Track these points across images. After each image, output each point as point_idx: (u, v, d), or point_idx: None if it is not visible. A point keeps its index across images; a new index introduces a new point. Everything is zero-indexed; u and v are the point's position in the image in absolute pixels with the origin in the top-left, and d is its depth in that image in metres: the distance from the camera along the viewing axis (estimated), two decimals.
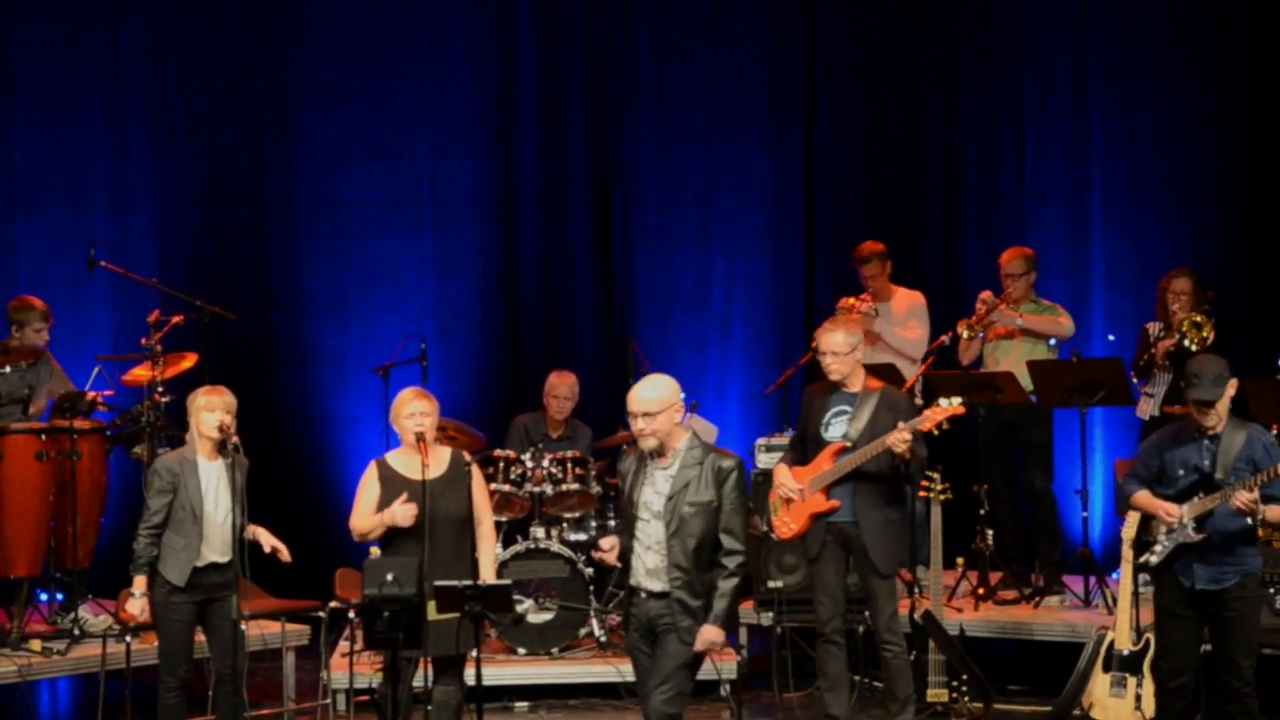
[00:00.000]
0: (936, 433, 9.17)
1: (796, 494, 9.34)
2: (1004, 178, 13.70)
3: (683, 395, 8.01)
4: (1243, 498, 8.36)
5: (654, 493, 7.93)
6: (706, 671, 10.52)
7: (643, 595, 7.98)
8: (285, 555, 8.94)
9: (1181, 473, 8.66)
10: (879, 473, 9.21)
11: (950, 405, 9.11)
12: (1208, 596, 8.62)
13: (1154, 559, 8.73)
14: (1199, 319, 11.05)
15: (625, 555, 8.11)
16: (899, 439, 9.00)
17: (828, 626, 9.38)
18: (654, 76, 13.89)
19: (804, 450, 9.50)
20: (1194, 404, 8.57)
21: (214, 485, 8.78)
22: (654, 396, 7.89)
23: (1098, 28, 13.47)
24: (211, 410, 8.78)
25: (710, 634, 7.90)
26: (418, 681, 8.93)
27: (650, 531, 7.93)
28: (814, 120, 13.92)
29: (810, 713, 10.34)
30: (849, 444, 9.23)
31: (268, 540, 8.92)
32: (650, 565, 7.94)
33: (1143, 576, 9.18)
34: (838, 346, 9.31)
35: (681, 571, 7.84)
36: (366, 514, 8.73)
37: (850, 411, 9.30)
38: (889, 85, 13.85)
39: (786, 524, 9.45)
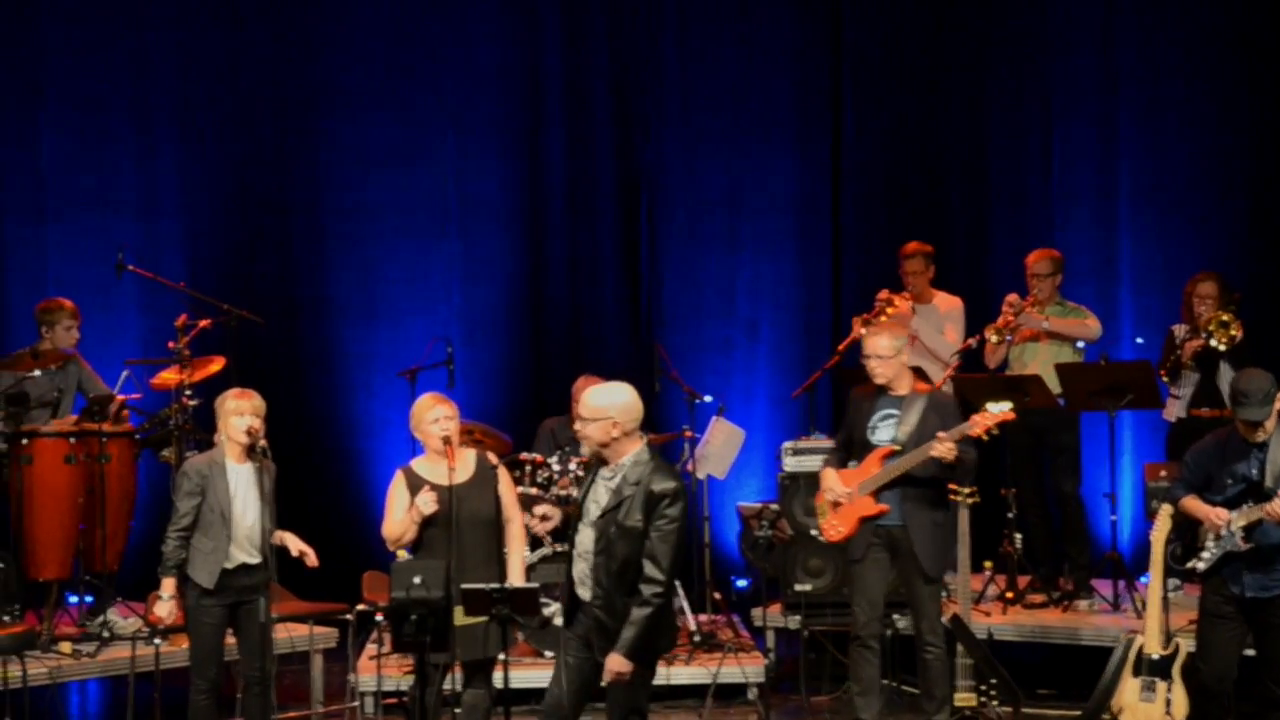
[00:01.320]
0: (986, 438, 9.16)
1: (845, 498, 9.32)
2: (1031, 180, 13.68)
3: (630, 414, 7.78)
4: (1275, 510, 8.38)
5: (593, 502, 7.82)
6: (734, 675, 10.61)
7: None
8: (312, 559, 8.95)
9: (1230, 482, 8.66)
10: (927, 476, 9.20)
11: (1001, 411, 9.09)
12: (1256, 604, 8.61)
13: (1201, 565, 8.73)
14: (1226, 318, 11.02)
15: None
16: (944, 448, 8.99)
17: (864, 630, 9.36)
18: (680, 80, 13.89)
19: (847, 453, 9.49)
20: (1242, 424, 8.56)
21: (242, 488, 8.79)
22: (593, 404, 7.78)
23: (1125, 29, 13.44)
24: (240, 414, 8.80)
25: (614, 663, 7.63)
26: (447, 685, 8.93)
27: (583, 539, 7.81)
28: (841, 123, 13.91)
29: (838, 716, 10.33)
30: (898, 447, 9.22)
31: (295, 545, 8.93)
32: (579, 572, 7.82)
33: (1172, 581, 9.16)
34: (883, 350, 9.30)
35: (602, 590, 7.68)
36: (397, 521, 8.73)
37: (898, 415, 9.29)
38: (916, 88, 13.83)
39: (835, 527, 9.44)
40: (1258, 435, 8.55)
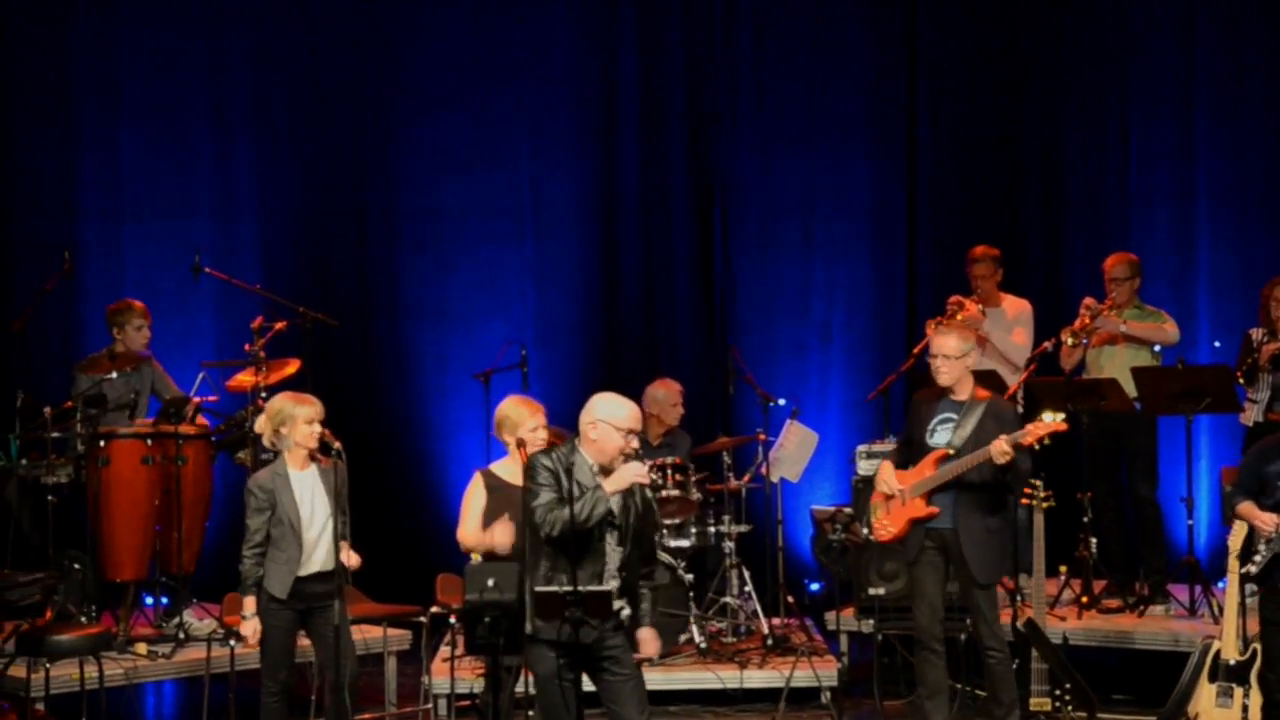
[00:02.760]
0: (1037, 447, 9.10)
1: (897, 492, 9.30)
2: (1108, 182, 13.59)
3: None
4: None
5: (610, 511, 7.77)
6: (807, 679, 10.58)
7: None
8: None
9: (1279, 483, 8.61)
10: (981, 482, 9.15)
11: (1054, 421, 9.03)
12: None
13: (1253, 569, 8.69)
14: None
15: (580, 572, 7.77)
16: (1000, 450, 8.94)
17: (925, 634, 9.33)
18: (755, 82, 13.88)
19: (908, 454, 9.47)
20: None
21: (308, 494, 8.74)
22: (632, 416, 7.91)
23: (1204, 30, 13.33)
24: (310, 421, 8.64)
25: (649, 634, 7.91)
26: (519, 688, 8.93)
27: (611, 548, 7.77)
28: (915, 126, 13.87)
29: None
30: (952, 451, 9.18)
31: (346, 557, 8.83)
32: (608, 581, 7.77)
33: (1250, 586, 9.09)
34: (950, 350, 9.25)
35: (626, 583, 7.79)
36: (474, 528, 8.73)
37: (956, 419, 9.24)
38: (991, 90, 13.78)
39: (885, 526, 9.41)
40: None
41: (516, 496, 8.51)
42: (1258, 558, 8.66)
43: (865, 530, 10.01)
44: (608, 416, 7.82)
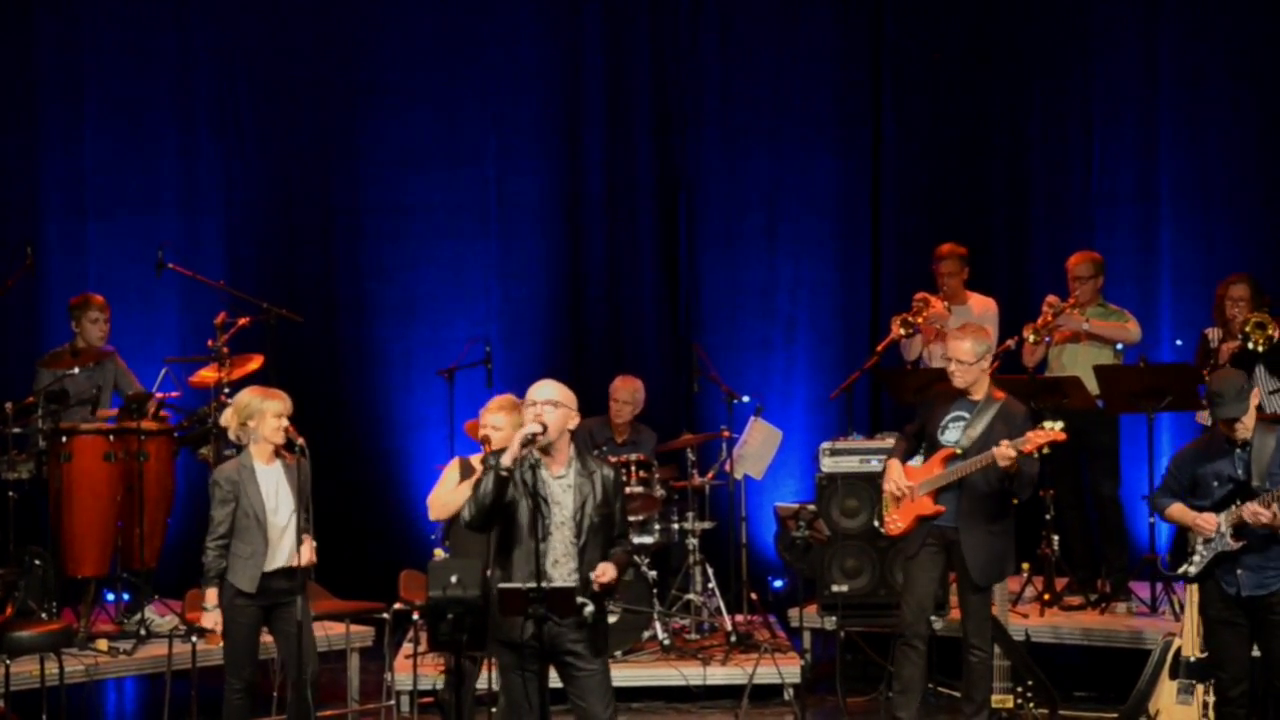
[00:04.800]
0: (1037, 455, 9.12)
1: (907, 492, 9.33)
2: (1072, 181, 13.61)
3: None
4: (1253, 512, 8.37)
5: (554, 504, 7.69)
6: (770, 676, 10.60)
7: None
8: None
9: (1216, 484, 8.64)
10: (987, 484, 9.19)
11: (1053, 430, 9.05)
12: (1254, 602, 8.58)
13: (1192, 569, 8.72)
14: (1263, 319, 10.97)
15: (511, 566, 7.71)
16: (1003, 454, 8.97)
17: (910, 630, 9.36)
18: (720, 79, 13.88)
19: (915, 444, 9.52)
20: (1222, 423, 8.54)
21: (273, 489, 8.75)
22: (556, 389, 7.78)
23: (1166, 30, 13.36)
24: (278, 415, 8.68)
25: (609, 568, 7.73)
26: (481, 684, 8.94)
27: (556, 544, 7.67)
28: (881, 124, 13.88)
29: (874, 718, 10.32)
30: (959, 451, 9.22)
31: (305, 552, 8.82)
32: (562, 575, 7.67)
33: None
34: (964, 355, 9.30)
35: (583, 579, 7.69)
36: (448, 492, 8.75)
37: (968, 419, 9.30)
38: (957, 88, 13.80)
39: (895, 521, 9.45)
40: (1239, 434, 8.54)
41: None
42: (1196, 559, 8.68)
43: (876, 523, 10.04)
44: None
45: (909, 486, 9.35)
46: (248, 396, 8.82)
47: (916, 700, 9.46)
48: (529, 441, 7.58)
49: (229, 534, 8.70)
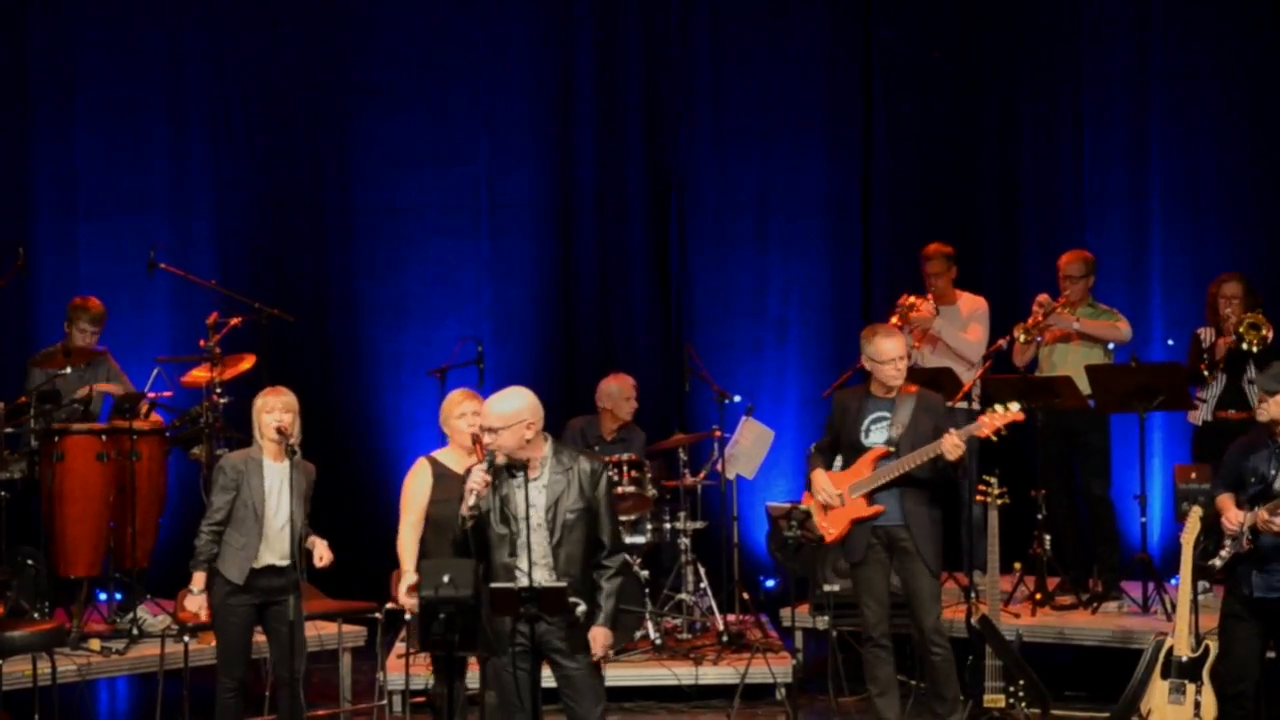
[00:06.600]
0: (995, 439, 9.13)
1: (836, 500, 9.33)
2: (1062, 181, 13.63)
3: (539, 412, 7.71)
4: (1265, 521, 8.40)
5: (531, 507, 7.68)
6: (762, 676, 10.61)
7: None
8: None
9: (1253, 480, 8.65)
10: (926, 476, 9.19)
11: (1009, 411, 9.06)
12: (1265, 604, 8.58)
13: (1217, 563, 8.74)
14: (1256, 320, 10.99)
15: (493, 573, 7.73)
16: (953, 444, 8.97)
17: (876, 630, 9.37)
18: (711, 80, 13.90)
19: (833, 455, 9.50)
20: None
21: (277, 486, 8.77)
22: (501, 410, 7.66)
23: (1158, 30, 13.37)
24: (269, 411, 8.78)
25: (601, 636, 7.74)
26: (473, 683, 8.94)
27: (535, 545, 7.67)
28: (872, 124, 13.89)
29: (865, 717, 10.32)
30: (892, 449, 9.22)
31: (319, 552, 8.87)
32: (540, 578, 7.65)
33: (1202, 583, 9.13)
34: (903, 350, 9.33)
35: (571, 579, 7.66)
36: (414, 527, 8.75)
37: (889, 417, 9.28)
38: (947, 89, 13.82)
39: (826, 529, 9.44)
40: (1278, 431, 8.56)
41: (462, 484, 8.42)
42: (1223, 552, 8.69)
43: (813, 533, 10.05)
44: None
45: (838, 494, 9.35)
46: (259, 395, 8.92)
47: (897, 699, 9.49)
48: (480, 486, 7.66)
49: (224, 521, 8.75)
